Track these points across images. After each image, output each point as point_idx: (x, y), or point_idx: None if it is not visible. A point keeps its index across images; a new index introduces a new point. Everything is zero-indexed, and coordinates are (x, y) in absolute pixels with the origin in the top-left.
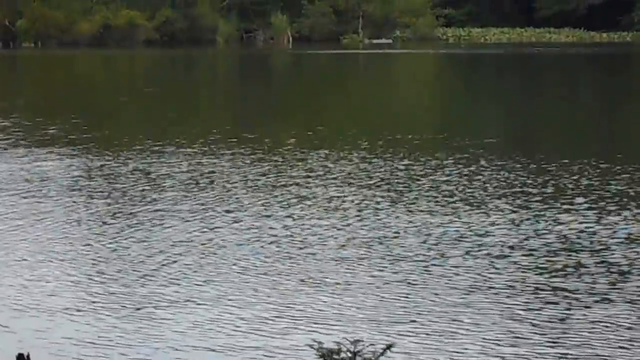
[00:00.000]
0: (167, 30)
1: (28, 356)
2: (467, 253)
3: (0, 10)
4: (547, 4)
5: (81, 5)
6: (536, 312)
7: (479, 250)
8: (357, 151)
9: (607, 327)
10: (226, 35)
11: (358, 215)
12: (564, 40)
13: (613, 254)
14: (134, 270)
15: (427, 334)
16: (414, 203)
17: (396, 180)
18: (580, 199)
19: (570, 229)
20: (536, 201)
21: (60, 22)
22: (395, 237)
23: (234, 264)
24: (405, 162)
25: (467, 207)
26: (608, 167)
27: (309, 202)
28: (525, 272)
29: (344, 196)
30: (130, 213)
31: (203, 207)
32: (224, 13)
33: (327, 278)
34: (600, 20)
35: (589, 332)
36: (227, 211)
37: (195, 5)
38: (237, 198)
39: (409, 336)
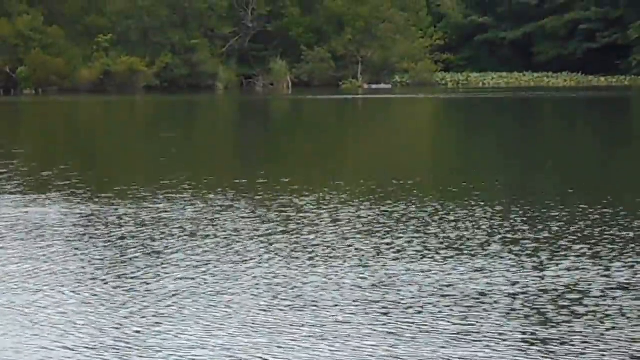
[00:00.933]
0: (167, 76)
1: None
2: (460, 300)
3: (1, 57)
4: (545, 48)
5: (81, 52)
6: None
7: (471, 297)
8: (355, 196)
9: None
10: (226, 81)
11: (354, 263)
12: (563, 85)
13: (612, 301)
14: (132, 323)
15: None
16: (409, 249)
17: (392, 226)
18: (577, 246)
19: (565, 276)
20: (532, 247)
21: (61, 69)
22: (389, 284)
23: (232, 316)
24: (402, 206)
25: (463, 254)
26: (609, 211)
27: (305, 249)
28: (517, 319)
29: (341, 243)
30: (129, 259)
31: (201, 254)
32: (224, 59)
33: (324, 327)
34: (598, 64)
35: None
36: (225, 259)
37: (195, 52)
38: (235, 245)
39: None
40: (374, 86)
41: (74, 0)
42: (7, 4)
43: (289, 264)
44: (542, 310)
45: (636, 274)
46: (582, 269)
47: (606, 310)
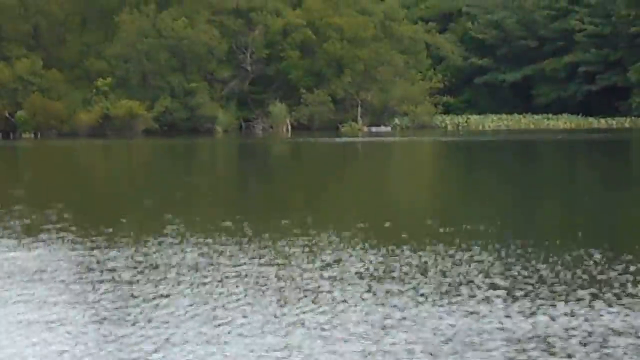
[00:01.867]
0: (166, 120)
1: None
2: (459, 347)
3: (0, 101)
4: (544, 90)
5: (80, 96)
6: None
7: (469, 343)
8: (350, 240)
9: None
10: (225, 124)
11: (351, 308)
12: (563, 127)
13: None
14: None
15: None
16: (407, 295)
17: (390, 271)
18: (578, 291)
19: (559, 321)
20: (530, 292)
21: (60, 113)
22: (386, 330)
23: None
24: (397, 250)
25: (460, 299)
26: (609, 255)
27: (303, 295)
28: None
29: (335, 288)
30: (127, 307)
31: (197, 300)
32: (223, 103)
33: None
34: (598, 106)
35: None
36: (223, 307)
37: (194, 95)
38: (232, 292)
39: None
40: (373, 129)
41: (72, 44)
42: (6, 48)
43: (283, 308)
44: (533, 356)
45: (629, 319)
46: (578, 314)
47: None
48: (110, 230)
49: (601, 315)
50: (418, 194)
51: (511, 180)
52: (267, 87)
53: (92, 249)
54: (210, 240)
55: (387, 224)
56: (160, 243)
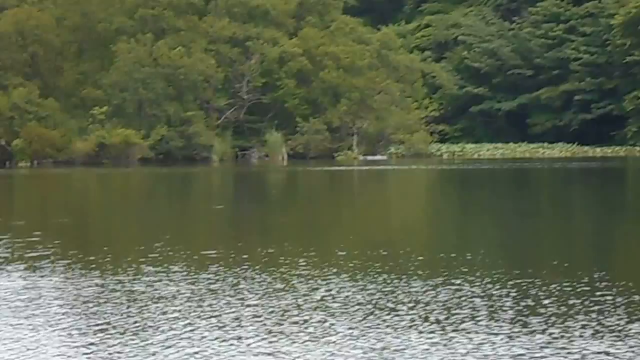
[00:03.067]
0: (163, 149)
1: None
2: None
3: None
4: (540, 119)
5: (77, 125)
6: None
7: None
8: (346, 269)
9: None
10: (221, 153)
11: (349, 341)
12: (558, 155)
13: None
14: None
15: None
16: (400, 324)
17: (387, 302)
18: (570, 322)
19: (551, 355)
20: (527, 322)
21: (56, 142)
22: None
23: None
24: (397, 281)
25: (449, 330)
26: (602, 286)
27: (301, 329)
28: None
29: (330, 319)
30: (116, 339)
31: (190, 332)
32: (219, 131)
33: None
34: (593, 135)
35: None
36: (220, 339)
37: (190, 124)
38: (228, 323)
39: None
40: (369, 157)
41: (69, 72)
42: (2, 77)
43: (279, 341)
44: None
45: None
46: (574, 348)
47: None
48: (103, 258)
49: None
50: (414, 222)
51: (506, 208)
52: (263, 115)
53: (85, 276)
54: (206, 270)
55: (382, 253)
56: (150, 272)
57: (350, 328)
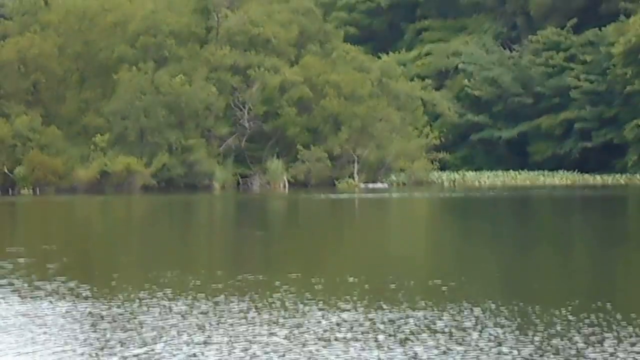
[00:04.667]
0: (164, 176)
1: None
2: None
3: None
4: (540, 147)
5: (79, 152)
6: None
7: None
8: (350, 301)
9: None
10: (222, 180)
11: None
12: (558, 183)
13: None
14: None
15: None
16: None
17: (387, 334)
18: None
19: None
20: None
21: (58, 169)
22: None
23: None
24: (396, 312)
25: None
26: (601, 318)
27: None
28: None
29: (327, 350)
30: None
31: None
32: (220, 159)
33: None
34: (594, 163)
35: None
36: None
37: (191, 152)
38: (227, 352)
39: None
40: (370, 185)
41: (71, 100)
42: (5, 105)
43: None
44: None
45: None
46: None
47: None
48: (104, 287)
49: None
50: (417, 252)
51: (508, 236)
52: (264, 143)
53: (86, 302)
54: (209, 299)
55: (380, 282)
56: (151, 301)
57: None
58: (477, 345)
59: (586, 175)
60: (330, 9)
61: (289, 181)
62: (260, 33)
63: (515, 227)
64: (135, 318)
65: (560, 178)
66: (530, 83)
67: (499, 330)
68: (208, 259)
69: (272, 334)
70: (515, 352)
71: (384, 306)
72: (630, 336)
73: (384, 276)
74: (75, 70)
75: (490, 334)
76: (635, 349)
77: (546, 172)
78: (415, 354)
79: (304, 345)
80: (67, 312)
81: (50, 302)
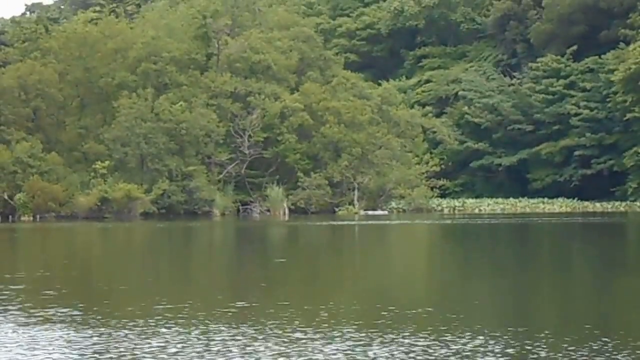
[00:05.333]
0: (164, 203)
1: None
2: None
3: (0, 184)
4: (540, 174)
5: (79, 179)
6: None
7: None
8: (350, 329)
9: None
10: (222, 207)
11: None
12: (558, 210)
13: None
14: None
15: None
16: None
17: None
18: None
19: None
20: None
21: (59, 196)
22: None
23: None
24: (386, 336)
25: None
26: (601, 344)
27: None
28: None
29: None
30: None
31: None
32: (221, 186)
33: None
34: (594, 190)
35: None
36: None
37: (192, 178)
38: None
39: None
40: (370, 212)
41: (71, 127)
42: (5, 132)
43: None
44: None
45: None
46: None
47: None
48: (104, 314)
49: None
50: (416, 279)
51: (507, 264)
52: (265, 170)
53: (86, 329)
54: (212, 326)
55: (380, 309)
56: (148, 328)
57: None
58: None
59: (586, 203)
60: (331, 35)
61: (289, 208)
62: (261, 60)
63: (515, 255)
64: (133, 347)
65: (560, 205)
66: (530, 110)
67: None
68: (205, 286)
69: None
70: None
71: (384, 336)
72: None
73: (383, 304)
74: (76, 96)
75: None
76: None
77: (546, 199)
78: None
79: None
80: (60, 337)
81: (45, 329)
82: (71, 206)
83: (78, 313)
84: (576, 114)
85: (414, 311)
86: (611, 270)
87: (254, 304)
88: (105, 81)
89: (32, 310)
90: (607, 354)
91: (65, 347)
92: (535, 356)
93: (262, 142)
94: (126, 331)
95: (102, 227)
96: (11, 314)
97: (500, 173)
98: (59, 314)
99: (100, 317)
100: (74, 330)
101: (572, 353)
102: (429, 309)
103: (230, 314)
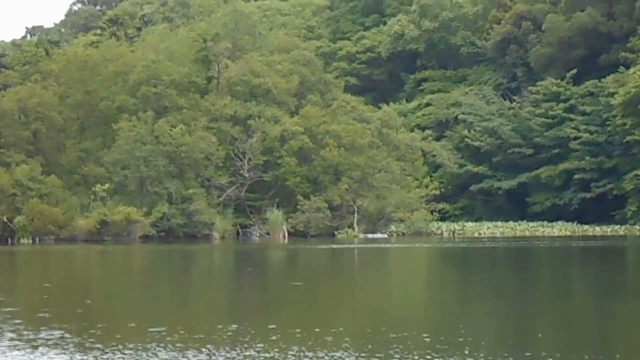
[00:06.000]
0: (164, 226)
1: None
2: None
3: None
4: (540, 198)
5: (79, 202)
6: None
7: None
8: (350, 353)
9: None
10: (222, 230)
11: None
12: (558, 234)
13: None
14: None
15: None
16: None
17: None
18: None
19: None
20: None
21: (58, 219)
22: None
23: None
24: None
25: None
26: None
27: None
28: None
29: None
30: None
31: None
32: (220, 209)
33: None
34: (593, 214)
35: None
36: None
37: (191, 202)
38: None
39: None
40: (369, 236)
41: (71, 150)
42: (5, 154)
43: None
44: None
45: None
46: None
47: None
48: (97, 337)
49: None
50: (414, 302)
51: (507, 288)
52: (264, 193)
53: (77, 354)
54: (210, 348)
55: (382, 335)
56: (146, 352)
57: None
58: None
59: (585, 226)
60: (331, 59)
61: (288, 231)
62: (261, 83)
63: (514, 279)
64: None
65: (560, 229)
66: (530, 134)
67: None
68: (202, 309)
69: None
70: None
71: (368, 353)
72: None
73: (383, 329)
74: (76, 119)
75: None
76: None
77: (545, 223)
78: None
79: None
80: None
81: (41, 353)
82: (70, 229)
83: (69, 336)
84: (576, 138)
85: (412, 334)
86: (610, 294)
87: (249, 327)
88: (106, 104)
89: (24, 333)
90: None
91: None
92: None
93: (262, 165)
94: (120, 355)
95: (101, 250)
96: (4, 337)
97: (499, 196)
98: (52, 336)
99: (93, 340)
100: (66, 354)
101: None
102: (428, 333)
103: (226, 336)
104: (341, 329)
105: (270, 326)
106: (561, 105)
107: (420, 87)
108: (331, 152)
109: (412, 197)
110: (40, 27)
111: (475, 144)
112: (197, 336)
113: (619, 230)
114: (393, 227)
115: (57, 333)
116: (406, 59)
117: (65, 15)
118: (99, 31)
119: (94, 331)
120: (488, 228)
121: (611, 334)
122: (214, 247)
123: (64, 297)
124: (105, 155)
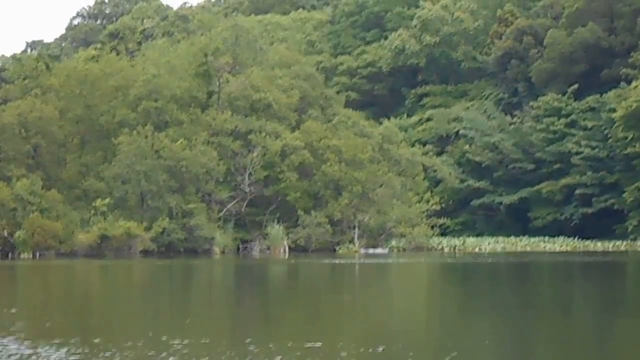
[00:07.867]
0: (164, 241)
1: None
2: None
3: None
4: (541, 213)
5: (79, 216)
6: None
7: None
8: None
9: None
10: (223, 245)
11: None
12: (559, 250)
13: None
14: None
15: None
16: None
17: None
18: None
19: None
20: None
21: (59, 233)
22: None
23: None
24: None
25: None
26: None
27: None
28: None
29: None
30: None
31: None
32: (221, 224)
33: None
34: (594, 229)
35: None
36: None
37: (192, 216)
38: None
39: None
40: (370, 251)
41: (72, 164)
42: (5, 169)
43: None
44: None
45: None
46: None
47: None
48: (93, 353)
49: None
50: (414, 318)
51: (507, 304)
52: (265, 208)
53: None
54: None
55: (382, 350)
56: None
57: None
58: None
59: (587, 241)
60: (332, 74)
61: (289, 246)
62: (262, 98)
63: (516, 295)
64: None
65: (561, 244)
66: (531, 149)
67: None
68: (202, 325)
69: None
70: None
71: None
72: None
73: (383, 346)
74: (76, 134)
75: None
76: None
77: (547, 238)
78: None
79: None
80: None
81: None
82: (71, 244)
83: (64, 350)
84: (577, 153)
85: (420, 354)
86: (611, 310)
87: (247, 341)
88: (106, 119)
89: (22, 347)
90: None
91: None
92: None
93: (262, 180)
94: None
95: (101, 264)
96: (3, 351)
97: (500, 212)
98: (50, 350)
99: (88, 353)
100: None
101: None
102: (432, 351)
103: (230, 354)
104: (340, 344)
105: (269, 345)
106: (562, 120)
107: (421, 102)
108: (332, 167)
109: (413, 212)
110: (41, 41)
111: (476, 159)
112: (202, 351)
113: (620, 245)
114: (394, 242)
115: (54, 345)
116: (407, 73)
117: (66, 30)
118: (99, 45)
119: (90, 346)
120: (489, 243)
121: (611, 350)
122: (215, 262)
123: (64, 313)
124: (106, 169)
